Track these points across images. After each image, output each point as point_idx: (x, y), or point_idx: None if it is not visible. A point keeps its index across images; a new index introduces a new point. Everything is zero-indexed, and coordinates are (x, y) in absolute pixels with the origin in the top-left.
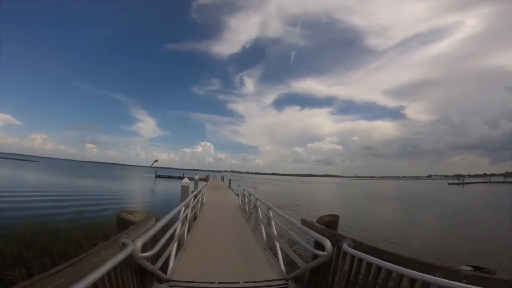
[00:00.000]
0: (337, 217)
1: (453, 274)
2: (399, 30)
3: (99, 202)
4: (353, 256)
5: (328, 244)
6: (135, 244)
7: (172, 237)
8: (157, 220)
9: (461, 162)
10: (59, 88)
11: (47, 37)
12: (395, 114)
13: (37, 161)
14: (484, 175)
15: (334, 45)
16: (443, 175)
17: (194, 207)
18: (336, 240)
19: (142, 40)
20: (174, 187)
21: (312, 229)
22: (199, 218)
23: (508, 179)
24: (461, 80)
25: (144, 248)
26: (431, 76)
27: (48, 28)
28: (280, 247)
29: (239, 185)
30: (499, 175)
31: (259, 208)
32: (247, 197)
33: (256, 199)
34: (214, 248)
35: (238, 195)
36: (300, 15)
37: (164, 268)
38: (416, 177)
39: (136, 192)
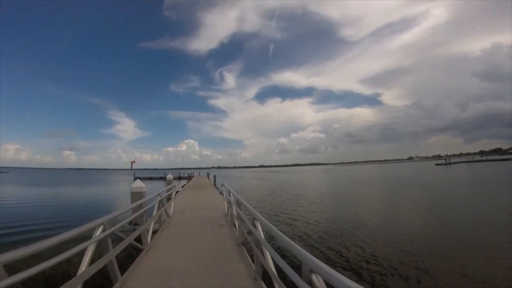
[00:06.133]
0: None
1: None
2: (371, 20)
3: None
4: None
5: None
6: None
7: None
8: None
9: (437, 143)
10: (29, 94)
11: (14, 43)
12: (372, 101)
13: (7, 172)
14: (461, 154)
15: (310, 37)
16: (424, 157)
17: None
18: None
19: (113, 40)
20: (151, 188)
21: None
22: (153, 247)
23: (489, 157)
24: (431, 66)
25: None
26: (403, 64)
27: (14, 34)
28: None
29: (223, 185)
30: (474, 153)
31: (263, 246)
32: (235, 207)
33: (255, 218)
34: None
35: (223, 194)
36: (276, 8)
37: None
38: (398, 160)
39: (99, 200)
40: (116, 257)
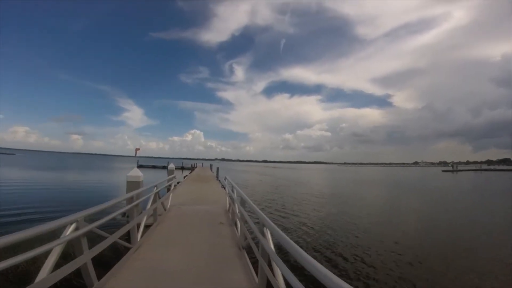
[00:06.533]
0: None
1: None
2: (388, 19)
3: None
4: None
5: None
6: None
7: None
8: None
9: (445, 149)
10: (39, 79)
11: (25, 28)
12: (382, 102)
13: (13, 154)
14: (467, 162)
15: (323, 33)
16: (430, 162)
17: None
18: None
19: (125, 29)
20: (152, 177)
21: None
22: (143, 246)
23: (497, 167)
24: (446, 69)
25: None
26: (417, 66)
27: (25, 19)
28: None
29: (225, 179)
30: (481, 162)
31: (272, 260)
32: (238, 205)
33: (264, 225)
34: None
35: (225, 188)
36: (290, 2)
37: None
38: (403, 163)
39: (95, 187)
40: (102, 256)
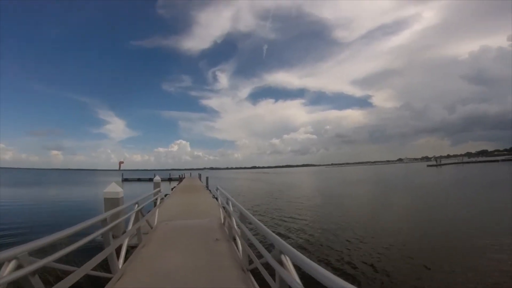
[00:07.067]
0: None
1: None
2: (364, 22)
3: None
4: None
5: None
6: None
7: None
8: None
9: (425, 144)
10: (13, 92)
11: None
12: (363, 103)
13: None
14: (448, 156)
15: (304, 37)
16: (413, 158)
17: None
18: None
19: (103, 38)
20: (138, 190)
21: None
22: (126, 275)
23: (478, 159)
24: (421, 69)
25: None
26: (393, 66)
27: None
28: None
29: (217, 189)
30: (462, 155)
31: None
32: (236, 220)
33: (281, 251)
34: None
35: (217, 199)
36: (271, 8)
37: None
38: (388, 161)
39: (70, 205)
40: None
